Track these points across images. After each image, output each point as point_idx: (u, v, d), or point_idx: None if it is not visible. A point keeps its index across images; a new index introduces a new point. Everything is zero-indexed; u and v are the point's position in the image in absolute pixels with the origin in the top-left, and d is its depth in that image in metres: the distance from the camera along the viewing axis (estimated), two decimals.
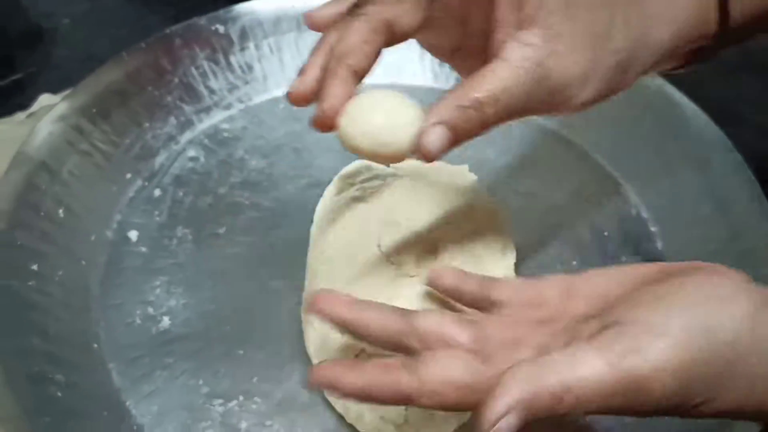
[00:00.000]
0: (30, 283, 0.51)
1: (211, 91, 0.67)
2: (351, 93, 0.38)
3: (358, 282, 0.49)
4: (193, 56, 0.66)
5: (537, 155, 0.65)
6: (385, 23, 0.38)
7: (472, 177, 0.57)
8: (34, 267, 0.51)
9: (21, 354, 0.47)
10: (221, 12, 0.68)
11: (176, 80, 0.65)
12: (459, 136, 0.37)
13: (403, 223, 0.52)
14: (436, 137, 0.36)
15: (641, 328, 0.31)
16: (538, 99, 0.38)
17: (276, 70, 0.69)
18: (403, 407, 0.45)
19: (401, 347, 0.37)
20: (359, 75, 0.38)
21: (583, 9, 0.38)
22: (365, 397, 0.35)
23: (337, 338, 0.47)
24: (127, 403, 0.49)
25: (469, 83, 0.37)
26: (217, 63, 0.67)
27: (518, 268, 0.54)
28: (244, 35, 0.68)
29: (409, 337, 0.37)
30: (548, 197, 0.62)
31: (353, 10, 0.38)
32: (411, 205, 0.54)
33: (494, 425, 0.30)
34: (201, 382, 0.50)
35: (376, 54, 0.38)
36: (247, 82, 0.68)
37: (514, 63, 0.37)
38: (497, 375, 0.32)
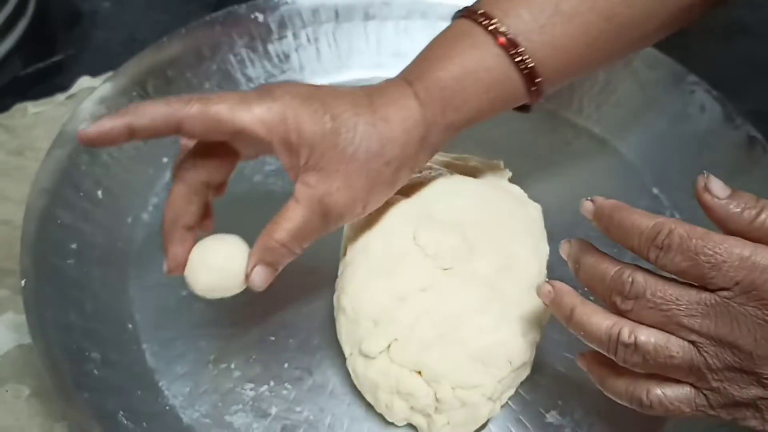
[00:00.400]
0: (69, 261, 0.51)
1: (248, 79, 0.67)
2: (190, 246, 0.45)
3: (392, 273, 0.49)
4: (231, 44, 0.66)
5: (573, 157, 0.65)
6: (202, 184, 0.45)
7: (507, 173, 0.57)
8: (74, 245, 0.52)
9: (61, 330, 0.47)
10: (260, 0, 0.68)
11: (215, 67, 0.66)
12: (277, 266, 0.46)
13: (438, 217, 0.52)
14: (258, 276, 0.45)
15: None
16: (329, 225, 0.46)
17: (313, 60, 0.69)
18: (432, 397, 0.46)
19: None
20: (193, 228, 0.45)
21: (349, 143, 0.44)
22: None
23: (369, 326, 0.48)
24: (161, 384, 0.49)
25: (272, 226, 0.45)
26: (255, 51, 0.68)
27: (551, 263, 0.54)
28: (282, 24, 0.68)
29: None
30: (581, 196, 0.61)
31: (175, 176, 0.45)
32: (446, 198, 0.54)
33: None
34: (233, 366, 0.51)
35: (201, 208, 0.45)
36: (284, 71, 0.68)
37: (302, 203, 0.44)
38: None
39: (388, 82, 0.48)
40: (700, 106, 0.62)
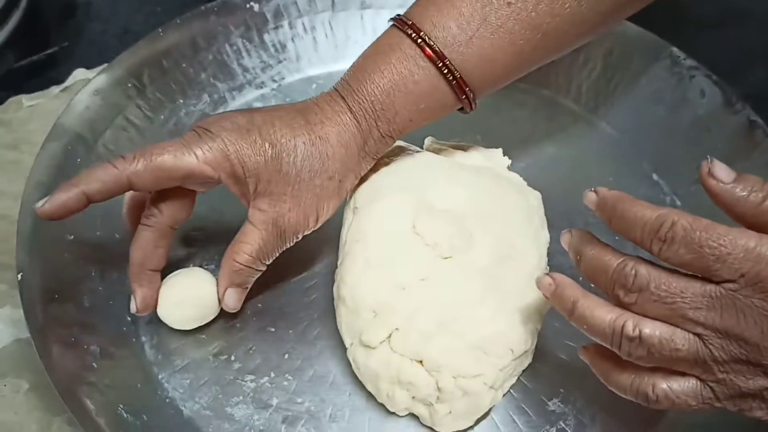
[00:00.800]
0: (66, 255, 0.51)
1: (245, 69, 0.67)
2: (158, 286, 0.49)
3: (392, 262, 0.49)
4: (227, 34, 0.66)
5: (570, 143, 0.65)
6: (167, 226, 0.48)
7: (506, 161, 0.57)
8: (70, 238, 0.52)
9: (59, 324, 0.47)
10: None
11: (210, 57, 0.65)
12: (245, 285, 0.50)
13: (437, 206, 0.52)
14: (230, 298, 0.49)
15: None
16: (286, 242, 0.49)
17: (309, 50, 0.69)
18: (434, 386, 0.45)
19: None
20: (159, 270, 0.49)
21: (292, 166, 0.47)
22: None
23: (369, 316, 0.47)
24: (160, 377, 0.49)
25: (233, 250, 0.48)
26: (251, 41, 0.67)
27: (551, 251, 0.54)
28: (278, 14, 0.68)
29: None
30: (581, 183, 0.61)
31: (139, 223, 0.48)
32: (446, 188, 0.53)
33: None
34: (233, 358, 0.50)
35: (167, 251, 0.49)
36: (280, 61, 0.68)
37: (258, 226, 0.48)
38: None
39: (323, 98, 0.50)
40: (700, 91, 0.62)
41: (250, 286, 0.49)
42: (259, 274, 0.49)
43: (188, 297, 0.49)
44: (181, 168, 0.45)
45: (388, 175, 0.55)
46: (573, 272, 0.55)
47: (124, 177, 0.45)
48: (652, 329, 0.37)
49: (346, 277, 0.49)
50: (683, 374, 0.38)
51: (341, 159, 0.48)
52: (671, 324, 0.37)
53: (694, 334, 0.37)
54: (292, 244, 0.50)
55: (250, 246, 0.47)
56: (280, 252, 0.49)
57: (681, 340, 0.37)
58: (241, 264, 0.48)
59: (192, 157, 0.45)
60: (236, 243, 0.48)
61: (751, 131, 0.59)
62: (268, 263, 0.49)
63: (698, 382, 0.38)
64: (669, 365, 0.38)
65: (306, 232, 0.50)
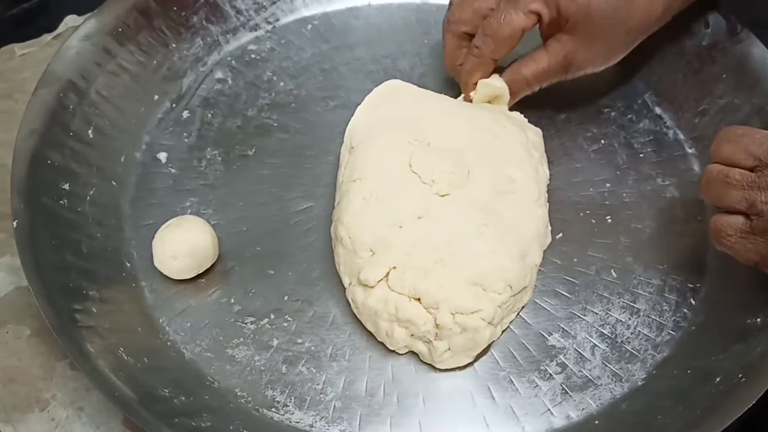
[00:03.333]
0: (62, 202, 0.51)
1: (238, 12, 0.65)
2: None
3: (388, 201, 0.48)
4: None
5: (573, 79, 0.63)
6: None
7: (505, 92, 0.56)
8: (66, 186, 0.52)
9: (56, 270, 0.47)
10: None
11: (202, 0, 0.64)
12: (516, 96, 0.56)
13: (435, 143, 0.51)
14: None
15: None
16: (566, 75, 0.56)
17: None
18: (432, 323, 0.45)
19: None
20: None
21: (599, 15, 0.52)
22: None
23: (366, 255, 0.47)
24: (161, 320, 0.49)
25: (522, 62, 0.55)
26: None
27: (551, 187, 0.53)
28: None
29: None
30: (581, 118, 0.60)
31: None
32: (444, 124, 0.53)
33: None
34: (233, 300, 0.50)
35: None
36: (274, 2, 0.66)
37: (550, 53, 0.54)
38: None
39: None
40: (704, 22, 0.60)
41: (515, 100, 0.56)
42: (527, 93, 0.56)
43: (184, 247, 0.49)
44: (518, 30, 0.52)
45: (385, 113, 0.54)
46: (573, 207, 0.55)
47: (489, 60, 0.54)
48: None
49: (344, 216, 0.49)
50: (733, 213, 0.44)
51: (642, 17, 0.53)
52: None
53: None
54: (568, 78, 0.56)
55: (537, 64, 0.54)
56: (554, 82, 0.56)
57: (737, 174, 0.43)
58: (524, 75, 0.54)
59: (521, 17, 0.52)
60: (525, 59, 0.55)
61: (755, 61, 0.57)
62: (538, 87, 0.56)
63: (742, 217, 0.43)
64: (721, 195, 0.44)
65: (587, 71, 0.55)
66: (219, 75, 0.63)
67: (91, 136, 0.55)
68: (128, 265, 0.51)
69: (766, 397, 0.42)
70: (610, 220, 0.54)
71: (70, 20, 0.67)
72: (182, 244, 0.49)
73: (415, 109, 0.54)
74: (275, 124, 0.60)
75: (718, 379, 0.44)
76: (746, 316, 0.47)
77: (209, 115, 0.60)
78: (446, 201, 0.48)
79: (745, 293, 0.48)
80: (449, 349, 0.46)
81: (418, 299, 0.46)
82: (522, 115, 0.57)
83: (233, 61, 0.64)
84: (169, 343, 0.48)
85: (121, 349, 0.45)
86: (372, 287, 0.47)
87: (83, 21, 0.58)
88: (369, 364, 0.48)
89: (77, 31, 0.57)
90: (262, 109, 0.61)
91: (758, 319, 0.46)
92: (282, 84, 0.62)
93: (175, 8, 0.62)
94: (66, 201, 0.51)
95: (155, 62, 0.61)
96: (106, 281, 0.49)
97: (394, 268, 0.47)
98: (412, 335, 0.47)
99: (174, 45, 0.62)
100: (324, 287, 0.51)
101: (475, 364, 0.48)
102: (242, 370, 0.47)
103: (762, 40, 0.58)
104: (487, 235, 0.47)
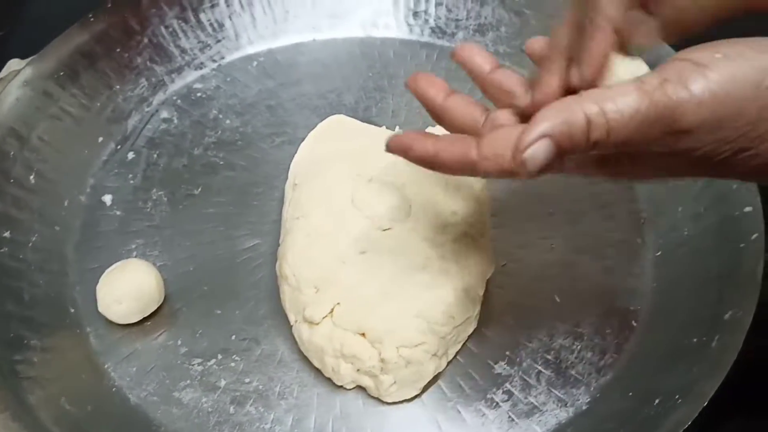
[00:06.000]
0: (2, 250, 0.51)
1: (183, 51, 0.66)
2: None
3: (332, 237, 0.49)
4: (161, 15, 0.65)
5: None
6: None
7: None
8: (7, 234, 0.51)
9: None
10: None
11: (146, 40, 0.64)
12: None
13: (377, 177, 0.52)
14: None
15: (687, 64, 0.32)
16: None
17: (248, 27, 0.68)
18: (377, 358, 0.46)
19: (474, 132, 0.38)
20: None
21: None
22: (434, 161, 0.36)
23: (311, 292, 0.48)
24: (106, 366, 0.49)
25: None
26: (186, 21, 0.66)
27: (494, 218, 0.54)
28: None
29: (483, 128, 0.39)
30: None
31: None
32: (386, 158, 0.53)
33: (524, 151, 0.32)
34: (179, 342, 0.50)
35: None
36: (218, 40, 0.67)
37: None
38: None
39: None
40: None
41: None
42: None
43: (128, 292, 0.49)
44: None
45: (327, 149, 0.55)
46: (516, 237, 0.55)
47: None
48: None
49: (287, 254, 0.49)
50: None
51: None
52: None
53: None
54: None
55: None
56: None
57: None
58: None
59: None
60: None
61: None
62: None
63: None
64: None
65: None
66: (165, 115, 0.63)
67: (32, 181, 0.55)
68: (72, 311, 0.51)
69: (708, 415, 0.43)
70: (553, 247, 0.55)
71: (13, 64, 0.66)
72: (126, 288, 0.49)
73: (358, 144, 0.55)
74: (221, 162, 0.60)
75: (657, 401, 0.44)
76: (684, 336, 0.47)
77: (155, 156, 0.60)
78: (388, 235, 0.49)
79: (683, 314, 0.49)
80: (395, 382, 0.46)
81: (363, 334, 0.46)
82: None
83: (179, 101, 0.64)
84: (114, 389, 0.48)
85: (64, 398, 0.45)
86: (317, 324, 0.47)
87: (23, 66, 0.58)
88: (317, 401, 0.48)
89: (17, 77, 0.57)
90: (208, 148, 0.61)
91: (695, 340, 0.47)
92: (228, 122, 0.63)
93: (118, 50, 0.63)
94: (7, 249, 0.51)
95: (99, 104, 0.61)
96: (48, 329, 0.49)
97: (338, 304, 0.47)
98: (358, 370, 0.47)
99: (118, 86, 0.62)
100: (271, 325, 0.51)
101: (423, 396, 0.48)
102: (189, 413, 0.47)
103: None
104: (428, 268, 0.48)
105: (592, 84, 0.36)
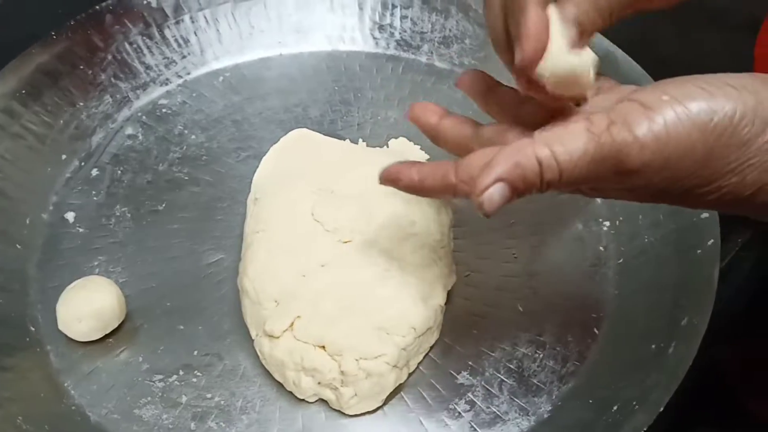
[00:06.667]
0: None
1: (147, 67, 0.66)
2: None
3: (292, 251, 0.49)
4: (126, 32, 0.65)
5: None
6: None
7: (411, 145, 0.57)
8: None
9: None
10: None
11: (110, 57, 0.64)
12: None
13: (338, 190, 0.52)
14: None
15: (635, 106, 0.32)
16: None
17: (213, 42, 0.68)
18: (337, 370, 0.46)
19: (464, 151, 0.40)
20: None
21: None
22: (421, 188, 0.39)
23: (271, 306, 0.47)
24: (66, 384, 0.49)
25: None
26: (151, 38, 0.66)
27: (456, 229, 0.54)
28: (178, 8, 0.67)
29: (472, 144, 0.40)
30: None
31: None
32: (346, 170, 0.53)
33: (482, 194, 0.33)
34: (141, 359, 0.50)
35: None
36: (184, 56, 0.67)
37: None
38: None
39: None
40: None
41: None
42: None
43: (88, 309, 0.49)
44: None
45: (289, 163, 0.55)
46: (479, 247, 0.55)
47: None
48: None
49: (248, 269, 0.49)
50: None
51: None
52: None
53: None
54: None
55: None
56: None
57: None
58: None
59: None
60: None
61: None
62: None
63: None
64: None
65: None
66: (129, 131, 0.63)
67: None
68: (33, 329, 0.51)
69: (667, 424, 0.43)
70: (516, 257, 0.55)
71: None
72: (86, 305, 0.49)
73: (320, 158, 0.55)
74: (186, 178, 0.60)
75: (615, 408, 0.45)
76: (643, 344, 0.48)
77: (119, 172, 0.60)
78: (349, 248, 0.49)
79: (643, 322, 0.50)
80: (356, 394, 0.46)
81: (323, 347, 0.46)
82: (424, 153, 0.58)
83: (144, 117, 0.64)
84: (74, 408, 0.48)
85: (20, 417, 0.44)
86: (277, 338, 0.47)
87: None
88: (279, 415, 0.48)
89: None
90: (173, 164, 0.61)
91: (653, 347, 0.47)
92: (193, 137, 0.63)
93: (81, 67, 0.63)
94: None
95: (62, 122, 0.61)
96: (8, 349, 0.49)
97: (298, 317, 0.47)
98: (319, 383, 0.47)
99: (82, 103, 0.62)
100: (234, 340, 0.51)
101: (385, 407, 0.48)
102: (149, 430, 0.47)
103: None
104: (389, 279, 0.48)
105: (532, 63, 0.35)
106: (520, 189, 0.34)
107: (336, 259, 0.49)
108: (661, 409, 0.42)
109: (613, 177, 0.33)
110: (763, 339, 0.54)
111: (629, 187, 0.33)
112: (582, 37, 0.36)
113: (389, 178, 0.40)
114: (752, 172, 0.32)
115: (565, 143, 0.33)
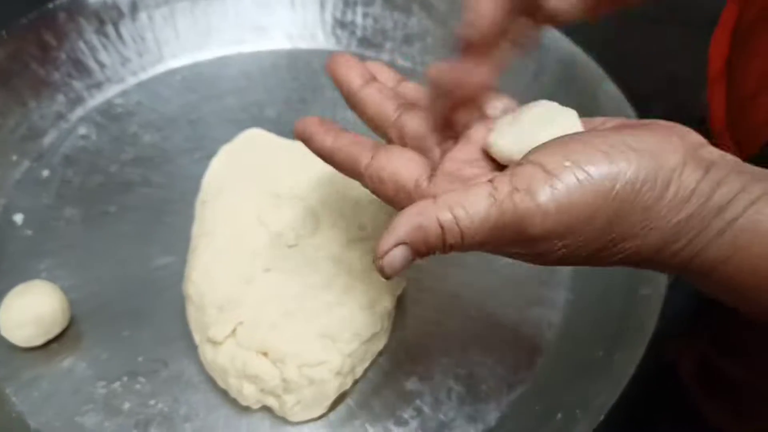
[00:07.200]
0: None
1: (102, 66, 0.65)
2: None
3: (236, 256, 0.48)
4: (80, 30, 0.64)
5: None
6: None
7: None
8: None
9: None
10: None
11: (63, 56, 0.63)
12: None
13: (284, 193, 0.51)
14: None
15: (537, 171, 0.31)
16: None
17: (171, 40, 0.67)
18: (279, 378, 0.45)
19: (380, 130, 0.40)
20: None
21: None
22: (329, 159, 0.39)
23: (214, 312, 0.47)
24: (7, 391, 0.48)
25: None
26: (107, 36, 0.65)
27: None
28: (134, 6, 0.66)
29: (391, 128, 0.39)
30: None
31: None
32: (294, 173, 0.53)
33: (383, 257, 0.33)
34: (84, 365, 0.49)
35: None
36: (140, 55, 0.66)
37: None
38: (429, 196, 0.34)
39: None
40: (564, 56, 0.62)
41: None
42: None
43: (29, 315, 0.48)
44: None
45: (239, 164, 0.54)
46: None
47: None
48: None
49: (192, 274, 0.49)
50: None
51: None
52: None
53: None
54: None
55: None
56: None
57: None
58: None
59: None
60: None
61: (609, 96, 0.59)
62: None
63: None
64: None
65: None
66: (82, 131, 0.62)
67: None
68: None
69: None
70: (470, 260, 0.54)
71: None
72: (27, 311, 0.48)
73: (270, 159, 0.54)
74: (139, 179, 0.59)
75: (559, 416, 0.44)
76: (591, 350, 0.47)
77: (70, 173, 0.59)
78: (294, 252, 0.48)
79: (592, 327, 0.49)
80: (299, 402, 0.46)
81: (265, 354, 0.46)
82: None
83: (98, 116, 0.63)
84: (14, 415, 0.47)
85: None
86: (220, 344, 0.46)
87: None
88: (223, 423, 0.47)
89: None
90: (125, 164, 0.60)
91: (601, 353, 0.46)
92: (148, 137, 0.62)
93: (34, 66, 0.62)
94: None
95: (12, 122, 0.60)
96: None
97: (240, 323, 0.46)
98: (261, 390, 0.46)
99: (33, 103, 0.61)
100: (180, 346, 0.50)
101: (330, 414, 0.48)
102: None
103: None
104: (334, 285, 0.47)
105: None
106: (422, 251, 0.33)
107: (280, 264, 0.48)
108: (602, 416, 0.42)
109: (516, 243, 0.32)
110: (715, 342, 0.53)
111: (534, 253, 0.33)
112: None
113: (302, 134, 0.39)
114: (654, 233, 0.31)
115: (467, 207, 0.32)
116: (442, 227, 0.32)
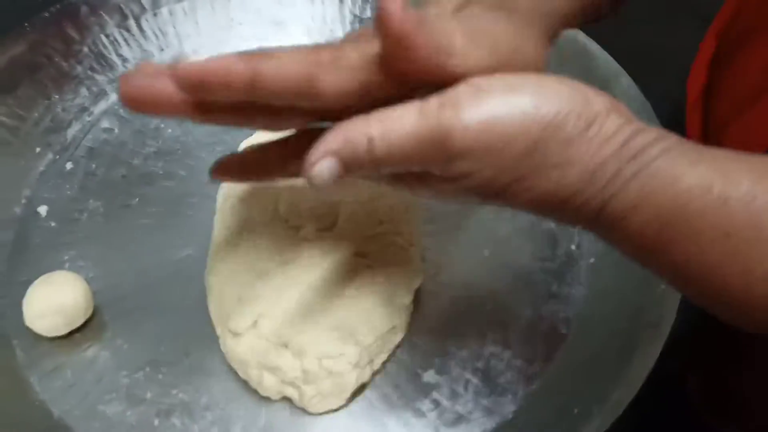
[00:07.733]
0: None
1: (125, 60, 0.65)
2: None
3: (256, 248, 0.49)
4: (102, 24, 0.64)
5: None
6: None
7: None
8: None
9: None
10: None
11: (86, 50, 0.64)
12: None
13: (301, 186, 0.51)
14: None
15: (468, 89, 0.32)
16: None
17: (192, 34, 0.67)
18: (299, 369, 0.46)
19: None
20: None
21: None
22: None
23: (234, 304, 0.47)
24: (31, 379, 0.49)
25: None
26: (128, 30, 0.66)
27: (426, 226, 0.54)
28: (155, 0, 0.66)
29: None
30: None
31: None
32: None
33: (312, 168, 0.33)
34: (107, 354, 0.50)
35: None
36: (162, 49, 0.67)
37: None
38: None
39: None
40: (578, 50, 0.62)
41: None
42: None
43: (52, 306, 0.49)
44: None
45: None
46: (449, 244, 0.55)
47: None
48: None
49: (213, 266, 0.49)
50: None
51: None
52: None
53: None
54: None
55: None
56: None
57: None
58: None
59: None
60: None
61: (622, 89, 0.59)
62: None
63: None
64: None
65: None
66: (106, 124, 0.63)
67: None
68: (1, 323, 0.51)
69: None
70: (486, 255, 0.55)
71: None
72: (50, 301, 0.49)
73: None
74: (161, 172, 0.60)
75: (576, 412, 0.44)
76: (607, 346, 0.48)
77: (93, 166, 0.60)
78: (313, 246, 0.49)
79: (609, 323, 0.49)
80: (318, 393, 0.46)
81: (285, 345, 0.46)
82: None
83: (120, 110, 0.64)
84: (37, 403, 0.48)
85: None
86: (241, 335, 0.47)
87: None
88: (243, 412, 0.48)
89: None
90: (148, 158, 0.61)
91: (618, 349, 0.47)
92: (170, 131, 0.63)
93: (57, 59, 0.62)
94: None
95: (36, 115, 0.61)
96: None
97: (261, 315, 0.47)
98: (281, 381, 0.47)
99: (57, 96, 0.62)
100: (201, 337, 0.51)
101: (350, 406, 0.48)
102: (112, 426, 0.47)
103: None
104: (353, 278, 0.48)
105: None
106: (350, 165, 0.33)
107: (300, 258, 0.48)
108: (619, 413, 0.42)
109: (439, 161, 0.32)
110: (721, 356, 0.53)
111: (454, 176, 0.33)
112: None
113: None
114: (572, 172, 0.31)
115: (395, 120, 0.32)
116: (371, 140, 0.32)
